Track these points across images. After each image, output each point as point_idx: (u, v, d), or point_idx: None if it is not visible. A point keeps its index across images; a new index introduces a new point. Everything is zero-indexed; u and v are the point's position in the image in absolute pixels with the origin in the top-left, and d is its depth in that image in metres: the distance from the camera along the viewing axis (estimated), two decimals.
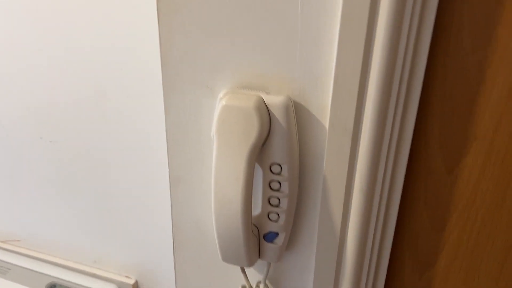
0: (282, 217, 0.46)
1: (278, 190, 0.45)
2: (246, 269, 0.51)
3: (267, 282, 0.52)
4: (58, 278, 0.94)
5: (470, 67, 0.40)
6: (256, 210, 0.47)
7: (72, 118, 0.81)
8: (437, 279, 0.50)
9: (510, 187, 0.43)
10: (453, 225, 0.47)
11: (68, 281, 0.94)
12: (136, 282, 0.94)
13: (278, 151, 0.43)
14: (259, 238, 0.48)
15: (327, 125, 0.42)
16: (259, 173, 0.45)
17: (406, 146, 0.43)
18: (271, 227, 0.47)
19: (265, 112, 0.42)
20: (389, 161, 0.43)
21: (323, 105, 0.42)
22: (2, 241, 1.04)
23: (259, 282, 0.52)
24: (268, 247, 0.48)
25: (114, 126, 0.76)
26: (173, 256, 0.83)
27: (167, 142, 0.50)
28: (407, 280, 0.51)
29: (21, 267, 0.97)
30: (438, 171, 0.45)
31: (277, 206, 0.46)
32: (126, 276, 0.95)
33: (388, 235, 0.47)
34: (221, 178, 0.43)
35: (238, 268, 0.51)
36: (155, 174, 0.78)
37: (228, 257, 0.48)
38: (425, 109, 0.43)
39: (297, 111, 0.43)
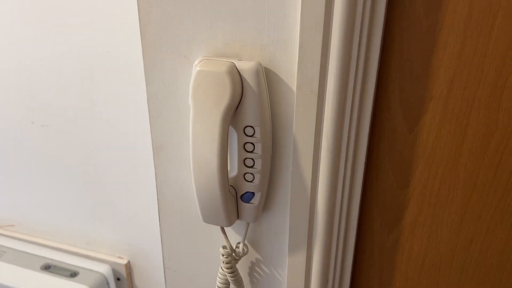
0: (257, 177, 0.49)
1: (252, 152, 0.49)
2: (226, 231, 0.55)
3: (246, 242, 0.56)
4: (52, 260, 0.97)
5: (424, 31, 0.44)
6: (233, 172, 0.50)
7: (62, 102, 0.83)
8: (404, 233, 0.53)
9: (465, 143, 0.47)
10: (417, 181, 0.50)
11: (63, 262, 0.96)
12: (129, 262, 0.97)
13: (251, 114, 0.47)
14: (236, 199, 0.52)
15: (295, 88, 0.46)
16: (234, 136, 0.48)
17: (368, 106, 0.46)
18: (248, 187, 0.50)
19: (237, 76, 0.45)
20: (353, 120, 0.46)
21: (291, 70, 0.46)
22: None
23: (238, 243, 0.55)
24: (245, 207, 0.52)
25: (101, 109, 0.79)
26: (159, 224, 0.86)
27: (149, 112, 0.53)
28: (376, 236, 0.54)
29: (16, 250, 1.00)
30: (400, 130, 0.48)
31: (252, 167, 0.49)
32: (118, 257, 0.98)
33: (356, 192, 0.51)
34: (198, 140, 0.46)
35: (219, 231, 0.55)
36: (143, 155, 0.81)
37: (208, 217, 0.51)
38: (385, 72, 0.46)
39: (268, 76, 0.47)
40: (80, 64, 0.77)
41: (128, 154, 0.83)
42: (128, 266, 0.97)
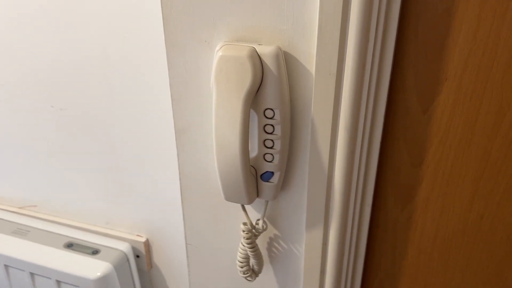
0: (277, 157, 0.52)
1: (272, 133, 0.51)
2: (247, 208, 0.57)
3: (265, 219, 0.58)
4: (74, 238, 1.01)
5: (439, 14, 0.45)
6: (253, 152, 0.53)
7: (79, 85, 0.85)
8: (417, 210, 0.55)
9: (478, 123, 0.48)
10: (430, 160, 0.52)
11: (84, 240, 1.00)
12: (147, 240, 1.01)
13: (271, 97, 0.49)
14: (257, 178, 0.54)
15: (313, 71, 0.48)
16: (254, 118, 0.50)
17: (384, 87, 0.48)
18: (267, 167, 0.53)
19: (257, 61, 0.47)
20: (369, 102, 0.48)
21: (309, 53, 0.47)
22: (19, 207, 1.10)
23: (258, 220, 0.58)
24: (265, 186, 0.54)
25: (118, 90, 0.81)
26: (180, 210, 0.89)
27: (171, 96, 0.55)
28: (390, 212, 0.57)
29: (39, 229, 1.03)
30: (414, 111, 0.50)
31: (272, 147, 0.51)
32: (137, 235, 1.02)
33: (371, 170, 0.53)
34: (220, 122, 0.48)
35: (240, 208, 0.57)
36: (161, 135, 0.84)
37: (230, 196, 0.53)
38: (401, 54, 0.48)
39: (287, 60, 0.48)
40: (97, 48, 0.79)
41: (145, 135, 0.85)
42: (147, 244, 1.01)
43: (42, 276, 0.96)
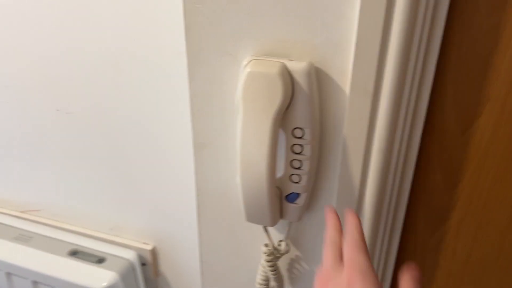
0: (304, 178, 0.49)
1: (300, 153, 0.48)
2: (269, 228, 0.54)
3: (288, 240, 0.55)
4: (78, 245, 0.98)
5: (486, 31, 0.42)
6: (279, 172, 0.50)
7: (87, 89, 0.82)
8: (449, 233, 0.53)
9: None
10: (465, 183, 0.49)
11: (89, 248, 0.97)
12: (154, 248, 0.98)
13: (301, 116, 0.45)
14: (281, 199, 0.51)
15: (347, 89, 0.44)
16: (282, 137, 0.47)
17: (422, 108, 0.45)
18: (293, 188, 0.50)
19: (288, 78, 0.44)
20: (406, 122, 0.45)
21: (343, 70, 0.44)
22: (22, 211, 1.07)
23: (280, 241, 0.55)
24: (289, 207, 0.51)
25: (127, 94, 0.78)
26: (192, 220, 0.87)
27: (190, 110, 0.52)
28: (420, 236, 0.54)
29: (42, 235, 1.00)
30: (452, 132, 0.47)
31: (299, 168, 0.48)
32: (143, 243, 0.99)
33: (404, 192, 0.50)
34: (247, 142, 0.45)
35: (261, 228, 0.54)
36: (169, 141, 0.81)
37: (252, 217, 0.50)
38: (441, 72, 0.45)
39: (318, 76, 0.45)
40: (107, 52, 0.76)
41: (153, 140, 0.82)
42: (153, 252, 0.98)
43: (46, 285, 0.93)
